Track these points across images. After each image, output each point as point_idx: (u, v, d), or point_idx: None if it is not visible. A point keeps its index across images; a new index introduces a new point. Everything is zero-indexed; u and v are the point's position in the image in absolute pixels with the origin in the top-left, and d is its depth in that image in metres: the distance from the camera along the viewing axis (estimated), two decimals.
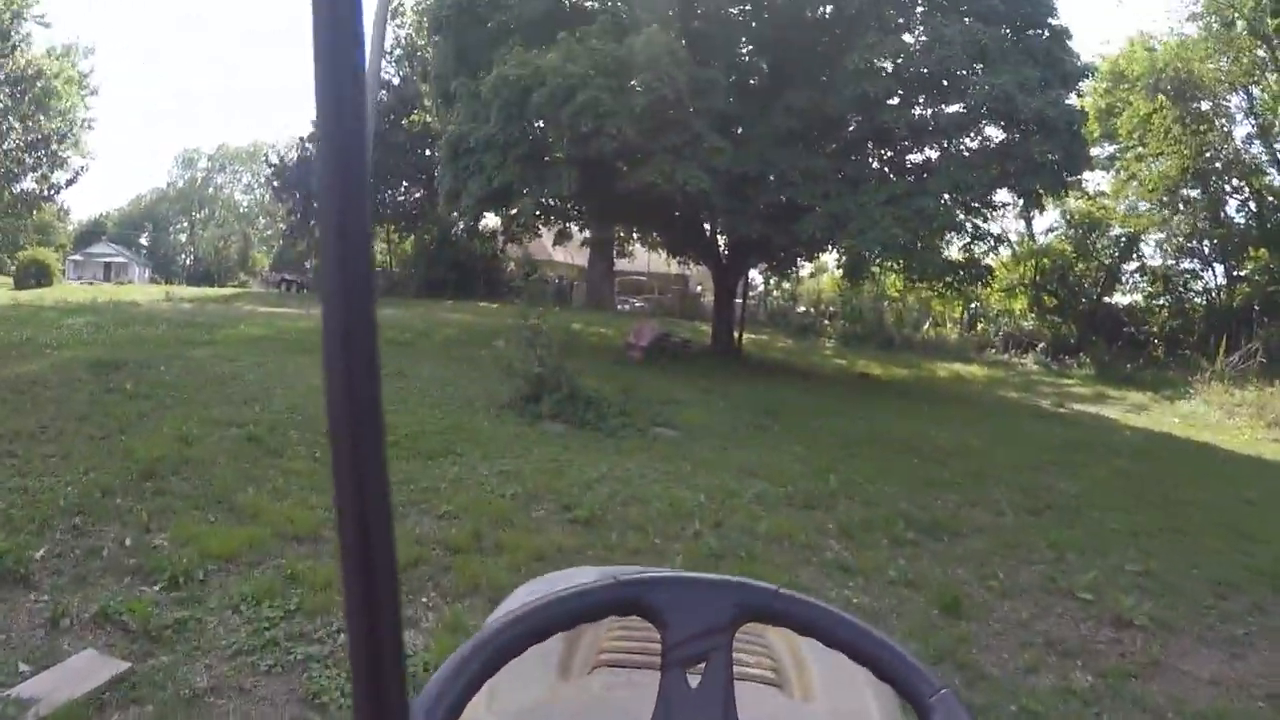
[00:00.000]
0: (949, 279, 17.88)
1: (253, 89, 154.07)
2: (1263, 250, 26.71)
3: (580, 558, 5.24)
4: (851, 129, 17.23)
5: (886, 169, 17.55)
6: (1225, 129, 27.47)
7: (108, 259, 59.30)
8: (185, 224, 79.11)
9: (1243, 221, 27.89)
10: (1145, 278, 29.81)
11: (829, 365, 20.88)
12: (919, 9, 16.96)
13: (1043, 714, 3.94)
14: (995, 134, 17.02)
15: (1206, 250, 28.64)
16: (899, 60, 16.14)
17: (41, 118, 30.30)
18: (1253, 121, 27.49)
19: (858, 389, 16.64)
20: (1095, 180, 28.97)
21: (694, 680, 0.86)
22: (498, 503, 6.48)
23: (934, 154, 17.53)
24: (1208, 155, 26.89)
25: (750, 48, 18.00)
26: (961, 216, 16.92)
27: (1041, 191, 16.86)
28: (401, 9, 34.22)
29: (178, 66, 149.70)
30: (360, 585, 0.40)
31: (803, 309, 33.32)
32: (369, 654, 0.41)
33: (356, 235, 0.40)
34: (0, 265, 42.37)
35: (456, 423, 9.02)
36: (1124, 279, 30.19)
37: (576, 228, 22.80)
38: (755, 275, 26.70)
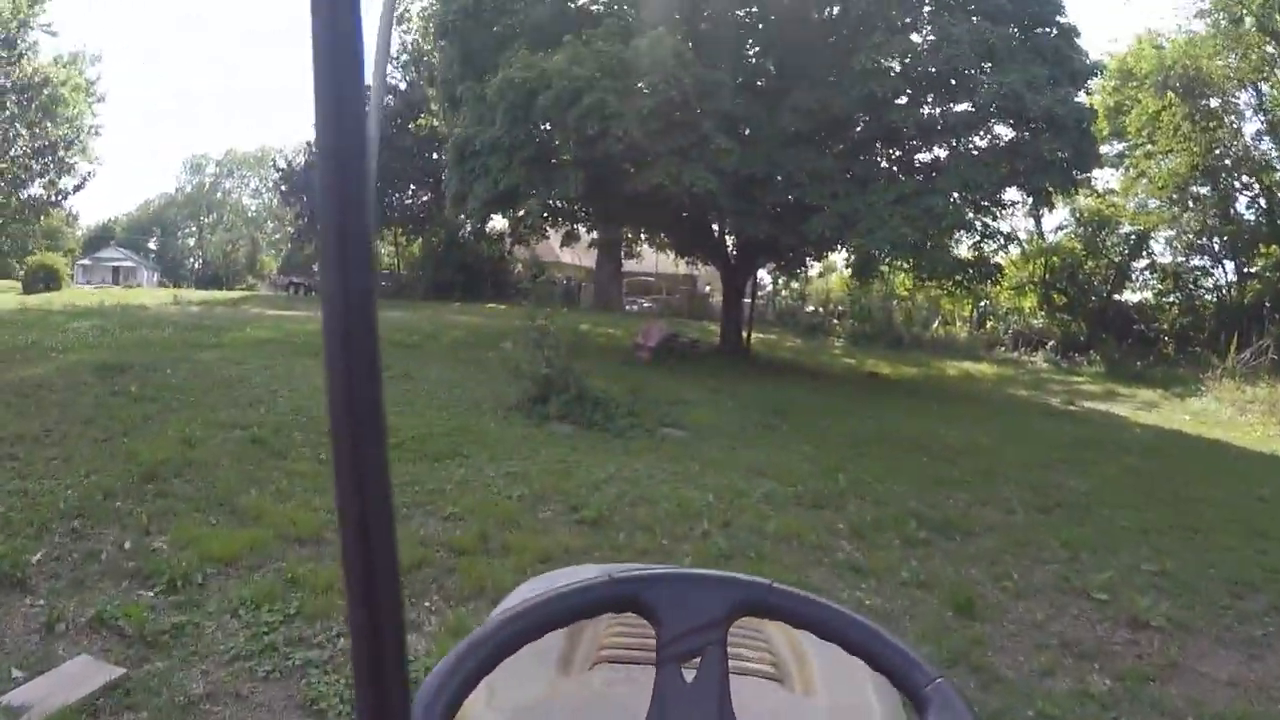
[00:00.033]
0: (958, 277, 17.80)
1: (254, 89, 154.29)
2: (1273, 247, 26.57)
3: (587, 559, 5.15)
4: (859, 129, 17.13)
5: (895, 168, 17.47)
6: (1235, 126, 27.31)
7: (116, 263, 59.48)
8: (193, 228, 79.21)
9: (1253, 218, 27.67)
10: (1155, 275, 29.66)
11: (838, 364, 20.79)
12: (926, 8, 16.87)
13: (1060, 718, 3.84)
14: (1004, 132, 16.97)
15: (1217, 247, 28.48)
16: (906, 60, 16.07)
17: (49, 124, 30.36)
18: (1262, 118, 27.31)
19: (867, 388, 16.53)
20: (1104, 178, 28.90)
21: (690, 675, 0.86)
22: (504, 504, 6.39)
23: (943, 153, 17.48)
24: (1217, 152, 26.75)
25: (757, 49, 17.95)
26: (971, 215, 16.82)
27: (1051, 189, 16.75)
28: (408, 15, 34.25)
29: (178, 67, 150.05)
30: (362, 586, 0.40)
31: (811, 308, 33.24)
32: (371, 655, 0.40)
33: (357, 238, 0.39)
34: (10, 270, 42.52)
35: (463, 424, 8.95)
36: (1134, 276, 30.06)
37: (584, 229, 22.75)
38: (763, 275, 26.62)
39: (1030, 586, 5.58)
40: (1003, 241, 19.04)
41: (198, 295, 28.39)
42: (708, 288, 36.79)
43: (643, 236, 24.83)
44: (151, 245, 76.32)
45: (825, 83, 15.90)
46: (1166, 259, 29.55)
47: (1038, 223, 30.45)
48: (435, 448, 7.85)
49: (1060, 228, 31.11)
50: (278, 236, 60.39)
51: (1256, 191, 27.56)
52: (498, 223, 23.92)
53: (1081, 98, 16.67)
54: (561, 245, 24.58)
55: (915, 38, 16.62)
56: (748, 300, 20.68)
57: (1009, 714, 3.80)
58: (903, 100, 16.33)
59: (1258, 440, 13.74)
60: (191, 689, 3.49)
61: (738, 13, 17.02)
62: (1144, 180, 28.83)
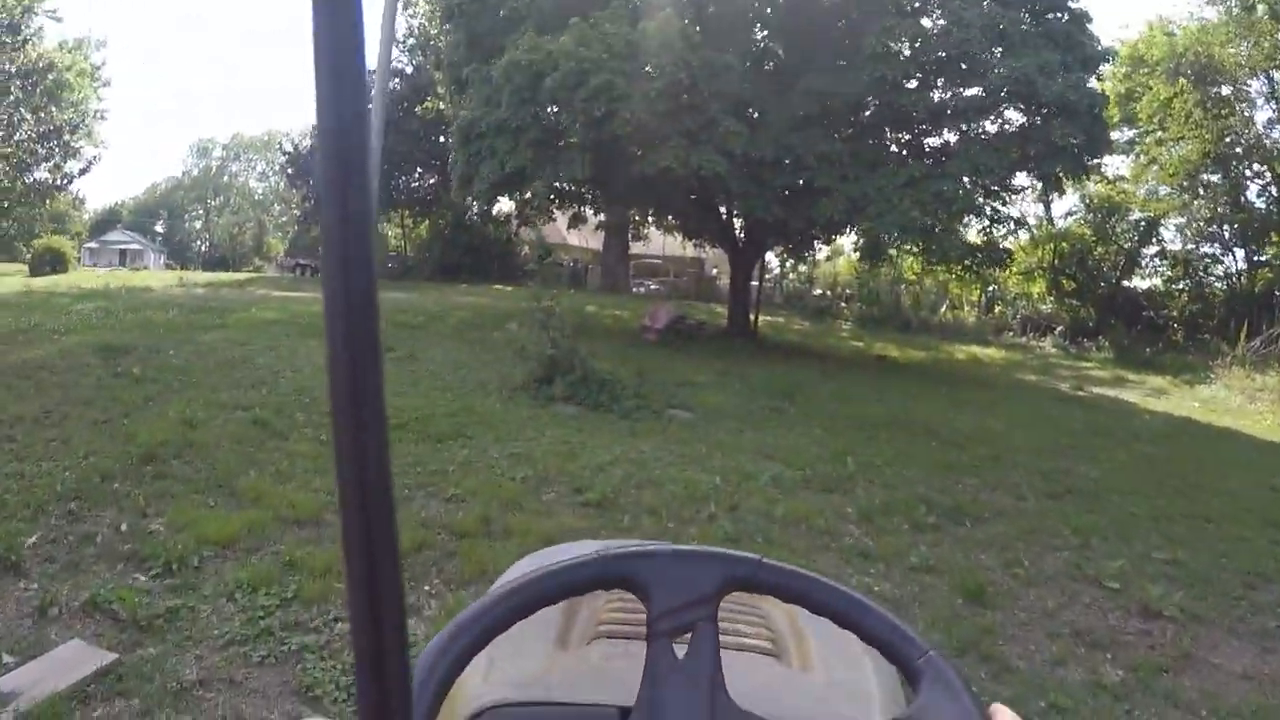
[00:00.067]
0: (968, 262, 17.64)
1: (256, 79, 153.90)
2: None
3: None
4: (869, 113, 16.94)
5: (904, 152, 17.27)
6: (1246, 114, 27.07)
7: (123, 246, 59.29)
8: (200, 211, 79.10)
9: (1264, 206, 27.37)
10: (1165, 262, 29.44)
11: (846, 348, 20.64)
12: None
13: (1072, 710, 3.76)
14: (1015, 117, 16.74)
15: (1227, 235, 28.26)
16: (917, 44, 15.85)
17: (54, 109, 30.29)
18: (1274, 106, 26.99)
19: (875, 371, 16.40)
20: (1114, 164, 28.65)
21: (682, 651, 0.86)
22: (507, 485, 6.32)
23: (953, 137, 17.26)
24: (1228, 140, 26.50)
25: (765, 32, 17.73)
26: (981, 200, 16.66)
27: (1062, 175, 16.58)
28: None
29: (179, 62, 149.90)
30: (362, 565, 0.39)
31: (819, 292, 33.04)
32: (370, 636, 0.39)
33: (358, 231, 0.38)
34: (17, 254, 42.49)
35: (467, 405, 8.87)
36: (1143, 263, 29.83)
37: (591, 211, 22.61)
38: (771, 258, 26.45)
39: (1041, 574, 5.49)
40: (1012, 226, 18.89)
41: (203, 277, 28.28)
42: (715, 270, 36.61)
43: (650, 219, 24.66)
44: (158, 228, 76.23)
45: (834, 66, 15.72)
46: (1176, 246, 29.36)
47: (1047, 208, 30.27)
48: (439, 428, 7.77)
49: (1070, 214, 30.91)
50: (284, 219, 60.30)
51: (1268, 180, 27.31)
52: (504, 205, 23.82)
53: (1093, 83, 16.47)
54: (568, 227, 24.44)
55: (926, 22, 16.38)
56: (755, 283, 20.51)
57: (1021, 705, 3.70)
58: (913, 84, 16.14)
59: (1268, 429, 13.60)
60: (184, 675, 3.42)
61: None
62: (1155, 167, 28.59)
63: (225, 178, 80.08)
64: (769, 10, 17.03)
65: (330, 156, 0.39)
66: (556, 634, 1.32)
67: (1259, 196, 27.77)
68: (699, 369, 13.01)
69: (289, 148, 38.56)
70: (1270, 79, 26.62)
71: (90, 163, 32.17)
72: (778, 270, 33.21)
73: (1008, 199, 18.39)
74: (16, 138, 28.16)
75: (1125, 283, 29.07)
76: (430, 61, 32.31)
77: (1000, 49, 15.14)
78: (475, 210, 24.38)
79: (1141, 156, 29.20)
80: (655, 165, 14.55)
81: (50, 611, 3.86)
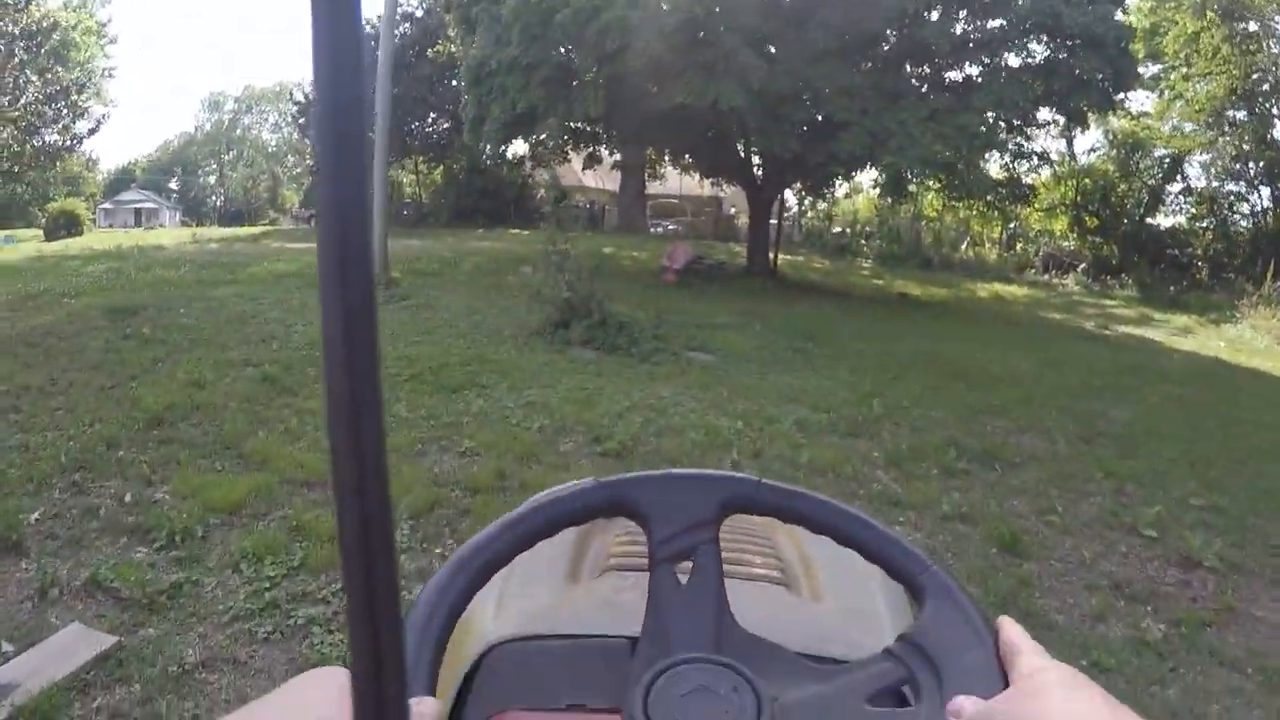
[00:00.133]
0: (990, 198, 17.32)
1: (267, 29, 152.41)
2: None
3: None
4: (888, 46, 16.56)
5: (924, 87, 16.87)
6: (1274, 50, 26.33)
7: (138, 205, 58.99)
8: (214, 166, 78.72)
9: None
10: (1190, 200, 28.85)
11: (867, 286, 20.36)
12: None
13: (1116, 669, 3.58)
14: (1039, 50, 16.31)
15: (1252, 173, 27.62)
16: None
17: (60, 69, 29.95)
18: None
19: (897, 310, 16.14)
20: (1139, 100, 28.04)
21: (686, 579, 0.85)
22: (523, 437, 6.15)
23: (974, 70, 16.85)
24: (1255, 76, 25.82)
25: None
26: (1004, 135, 16.30)
27: (1087, 109, 16.18)
28: None
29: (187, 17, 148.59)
30: (355, 526, 0.37)
31: (839, 230, 32.65)
32: (361, 581, 0.38)
33: (355, 227, 0.37)
34: (32, 218, 42.49)
35: (482, 353, 8.71)
36: (1167, 200, 29.22)
37: (606, 151, 22.33)
38: (790, 196, 26.10)
39: (1076, 521, 5.29)
40: (1036, 162, 18.52)
41: (217, 233, 28.16)
42: (733, 209, 36.22)
43: (666, 158, 24.37)
44: (173, 185, 75.96)
45: None
46: (1201, 184, 28.74)
47: (1070, 144, 29.70)
48: (452, 378, 7.62)
49: (1092, 150, 30.34)
50: (298, 170, 60.02)
51: None
52: (519, 147, 23.56)
53: (1119, 16, 16.00)
54: (584, 168, 24.25)
55: None
56: (774, 222, 20.23)
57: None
58: (934, 16, 15.70)
59: None
60: (187, 656, 3.26)
61: None
62: (1180, 103, 27.93)
63: (238, 131, 79.58)
64: None
65: (328, 130, 0.36)
66: (567, 568, 1.32)
67: None
68: (718, 310, 12.81)
69: (300, 97, 38.27)
70: None
71: (99, 122, 31.85)
72: (796, 209, 32.78)
73: (1030, 134, 18.00)
74: (23, 101, 27.86)
75: (1149, 220, 28.52)
76: (440, 3, 31.82)
77: None
78: (489, 153, 24.05)
79: (1167, 92, 28.54)
80: (670, 100, 14.29)
81: (50, 593, 3.71)
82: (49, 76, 28.76)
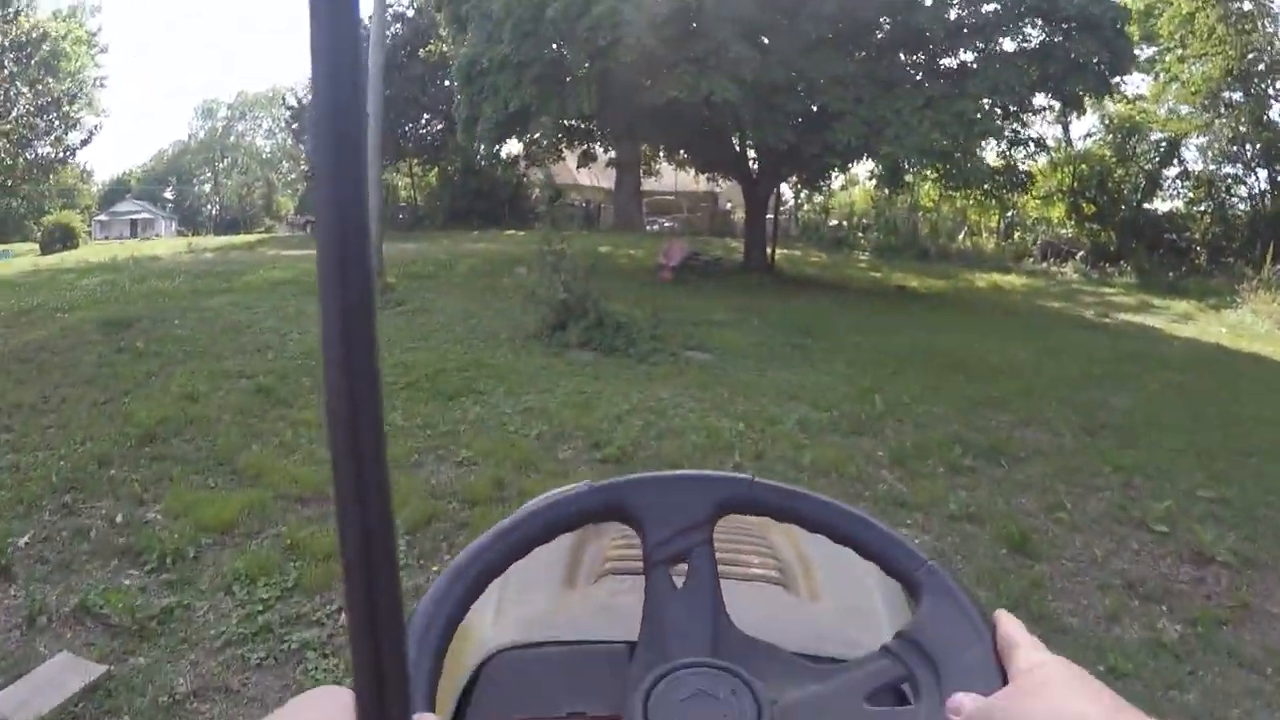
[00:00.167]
0: (987, 186, 17.20)
1: (260, 33, 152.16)
2: None
3: None
4: (882, 35, 16.44)
5: (919, 74, 16.75)
6: (1269, 30, 26.20)
7: (133, 216, 58.67)
8: (209, 174, 78.52)
9: None
10: (1187, 184, 28.67)
11: (865, 279, 20.26)
12: None
13: (1133, 673, 3.49)
14: (1034, 34, 16.18)
15: (1249, 155, 27.47)
16: None
17: (50, 80, 29.82)
18: None
19: (896, 302, 16.05)
20: (1134, 83, 27.84)
21: (681, 581, 0.85)
22: (521, 444, 6.06)
23: (969, 57, 16.73)
24: (1250, 57, 25.69)
25: None
26: (1000, 121, 16.17)
27: (1083, 93, 16.06)
28: None
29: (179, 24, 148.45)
30: (357, 536, 0.38)
31: (835, 222, 32.54)
32: (366, 603, 0.39)
33: (353, 213, 0.38)
34: (28, 232, 42.38)
35: (479, 358, 8.63)
36: (1164, 185, 29.05)
37: (600, 149, 22.22)
38: (785, 190, 25.98)
39: (1085, 517, 5.20)
40: (1033, 148, 18.40)
41: (213, 242, 28.00)
42: (729, 204, 36.09)
43: (661, 154, 24.27)
44: (168, 195, 75.72)
45: None
46: (1198, 167, 28.57)
47: (1065, 130, 29.56)
48: (449, 384, 7.54)
49: (1088, 135, 30.16)
50: (293, 176, 59.74)
51: None
52: (513, 146, 23.42)
53: None
54: (579, 166, 24.10)
55: None
56: (771, 216, 20.12)
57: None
58: (928, 1, 15.58)
59: None
60: (178, 685, 3.18)
61: None
62: (1175, 85, 27.77)
63: (232, 138, 79.31)
64: None
65: (326, 135, 0.37)
66: (564, 574, 1.32)
67: None
68: (716, 307, 12.72)
69: (293, 102, 38.13)
70: None
71: (92, 133, 31.89)
72: (792, 202, 32.67)
73: (1027, 120, 17.89)
74: (14, 113, 27.73)
75: (1146, 206, 28.36)
76: (431, 3, 31.67)
77: None
78: (482, 154, 23.97)
79: (1162, 75, 28.40)
80: (663, 95, 14.18)
81: (39, 620, 3.63)
82: (40, 88, 28.65)
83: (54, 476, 5.11)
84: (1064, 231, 28.94)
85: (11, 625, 3.61)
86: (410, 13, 33.30)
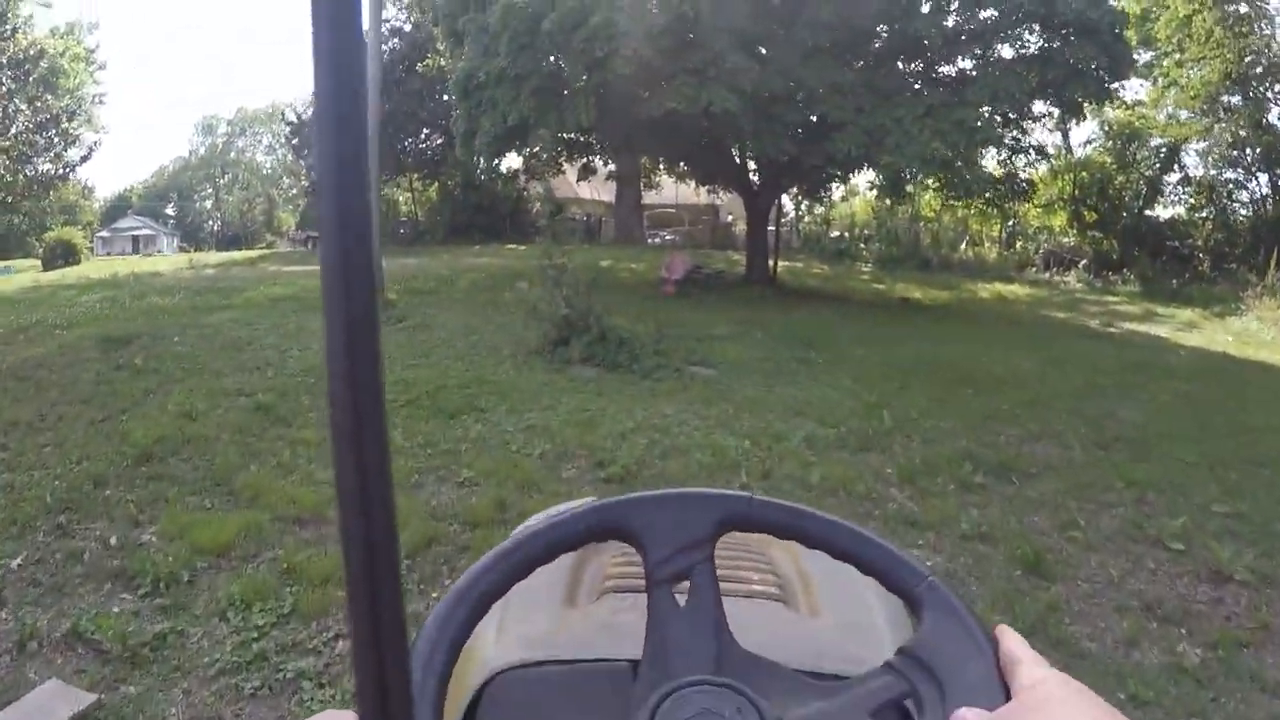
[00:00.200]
0: (989, 195, 17.12)
1: (258, 51, 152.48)
2: None
3: None
4: (879, 43, 16.40)
5: (918, 83, 16.69)
6: (1266, 33, 26.15)
7: (135, 232, 58.80)
8: (210, 190, 78.61)
9: None
10: (1188, 189, 28.57)
11: (867, 290, 20.18)
12: None
13: (1154, 701, 3.39)
14: (1033, 40, 16.12)
15: (1250, 159, 27.38)
16: None
17: (49, 97, 29.81)
18: None
19: (899, 314, 15.96)
20: (1132, 89, 27.78)
21: (683, 599, 0.83)
22: (524, 464, 5.97)
23: (968, 64, 16.67)
24: (1248, 60, 25.65)
25: None
26: (1000, 129, 16.10)
27: (1083, 100, 15.96)
28: None
29: (177, 41, 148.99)
30: (358, 539, 0.37)
31: (836, 234, 32.51)
32: (369, 624, 0.38)
33: (357, 225, 0.38)
34: (30, 249, 42.39)
35: (481, 374, 8.55)
36: (1165, 191, 28.94)
37: (600, 162, 22.17)
38: (786, 201, 25.93)
39: (1100, 536, 5.09)
40: (1034, 156, 18.32)
41: (214, 258, 27.96)
42: (730, 217, 36.07)
43: (661, 166, 24.22)
44: (169, 211, 75.84)
45: None
46: (1199, 172, 28.46)
47: (1065, 137, 29.50)
48: (450, 402, 7.45)
49: (1088, 142, 30.04)
50: (294, 192, 59.79)
51: None
52: (512, 160, 23.38)
53: (1112, 1, 15.83)
54: (579, 180, 24.02)
55: None
56: (772, 228, 20.06)
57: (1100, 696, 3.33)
58: (925, 8, 15.53)
59: None
60: (169, 715, 3.10)
61: None
62: (1174, 90, 27.72)
63: (232, 154, 79.47)
64: None
65: (328, 147, 0.37)
66: (565, 592, 1.31)
67: None
68: (719, 320, 12.64)
69: (293, 118, 38.13)
70: None
71: (91, 149, 31.78)
72: (793, 214, 32.63)
73: (1027, 128, 17.82)
74: (13, 130, 27.71)
75: (1148, 212, 28.24)
76: (429, 17, 31.68)
77: None
78: (482, 168, 23.94)
79: (1160, 80, 28.36)
80: (662, 106, 14.11)
81: (29, 645, 3.54)
82: (38, 105, 28.61)
83: (49, 496, 5.03)
84: (1066, 240, 28.87)
85: (1, 650, 3.52)
86: (408, 27, 33.31)
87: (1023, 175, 18.24)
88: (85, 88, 34.30)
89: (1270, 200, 26.65)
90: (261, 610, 3.78)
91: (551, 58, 14.81)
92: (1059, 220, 29.30)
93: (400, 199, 36.58)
